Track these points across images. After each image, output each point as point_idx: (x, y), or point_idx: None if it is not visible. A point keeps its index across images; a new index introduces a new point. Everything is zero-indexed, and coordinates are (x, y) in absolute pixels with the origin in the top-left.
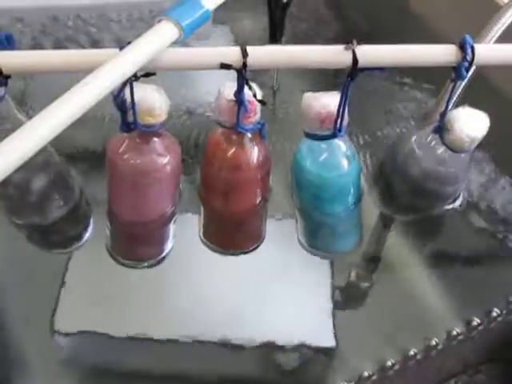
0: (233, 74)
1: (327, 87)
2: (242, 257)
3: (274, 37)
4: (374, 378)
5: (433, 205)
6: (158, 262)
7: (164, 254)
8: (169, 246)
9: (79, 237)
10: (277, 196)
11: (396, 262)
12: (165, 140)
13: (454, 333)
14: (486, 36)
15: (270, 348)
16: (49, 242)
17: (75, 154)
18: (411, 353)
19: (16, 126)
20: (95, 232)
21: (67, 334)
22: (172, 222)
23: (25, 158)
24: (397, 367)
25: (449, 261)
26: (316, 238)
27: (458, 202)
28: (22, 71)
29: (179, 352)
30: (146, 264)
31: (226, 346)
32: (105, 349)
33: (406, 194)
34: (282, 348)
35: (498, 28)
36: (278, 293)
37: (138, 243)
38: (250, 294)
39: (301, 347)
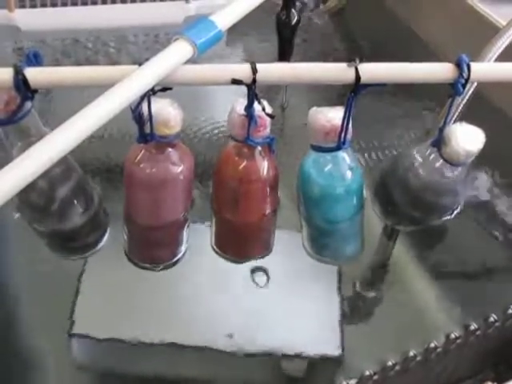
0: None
1: (333, 105)
2: (252, 266)
3: (283, 57)
4: (376, 377)
5: (432, 216)
6: (172, 265)
7: (178, 256)
8: (182, 249)
9: (96, 243)
10: (284, 208)
11: (399, 269)
12: (179, 150)
13: (453, 336)
14: (485, 56)
15: (277, 355)
16: (67, 248)
17: (94, 165)
18: (411, 354)
19: (41, 138)
20: (111, 239)
21: (83, 338)
22: (185, 226)
23: (52, 161)
24: (398, 368)
25: (448, 269)
26: (321, 244)
27: (456, 213)
28: (48, 86)
29: (191, 357)
30: (160, 266)
31: (234, 353)
32: (119, 353)
33: (406, 206)
34: (289, 356)
35: (497, 49)
36: (287, 302)
37: (153, 246)
38: (259, 303)
39: (308, 355)
